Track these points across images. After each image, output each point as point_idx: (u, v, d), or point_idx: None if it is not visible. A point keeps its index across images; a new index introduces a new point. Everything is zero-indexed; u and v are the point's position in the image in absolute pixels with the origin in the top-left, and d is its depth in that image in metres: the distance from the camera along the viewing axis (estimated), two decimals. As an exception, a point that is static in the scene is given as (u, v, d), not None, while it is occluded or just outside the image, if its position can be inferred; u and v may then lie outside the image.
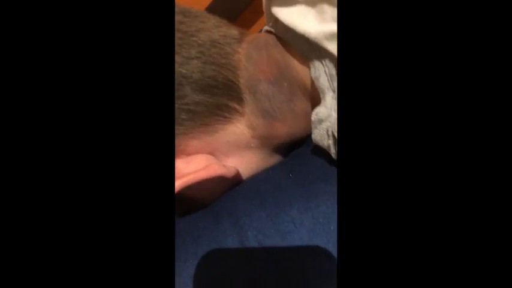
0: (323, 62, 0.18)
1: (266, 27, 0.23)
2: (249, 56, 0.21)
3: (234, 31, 0.21)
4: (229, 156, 0.22)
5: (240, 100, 0.20)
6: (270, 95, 0.20)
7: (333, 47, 0.17)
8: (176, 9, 0.21)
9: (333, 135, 0.17)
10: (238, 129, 0.21)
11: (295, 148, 0.23)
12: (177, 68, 0.19)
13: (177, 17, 0.20)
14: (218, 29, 0.21)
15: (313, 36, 0.17)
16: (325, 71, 0.18)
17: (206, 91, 0.19)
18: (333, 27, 0.17)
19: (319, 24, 0.17)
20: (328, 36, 0.17)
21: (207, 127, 0.20)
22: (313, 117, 0.19)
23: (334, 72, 0.17)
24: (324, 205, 0.18)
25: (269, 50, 0.21)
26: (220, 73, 0.19)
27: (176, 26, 0.20)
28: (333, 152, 0.18)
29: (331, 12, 0.17)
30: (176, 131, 0.19)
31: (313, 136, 0.19)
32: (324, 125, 0.18)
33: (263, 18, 0.26)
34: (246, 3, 0.57)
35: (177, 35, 0.19)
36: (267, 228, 0.18)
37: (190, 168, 0.20)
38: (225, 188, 0.22)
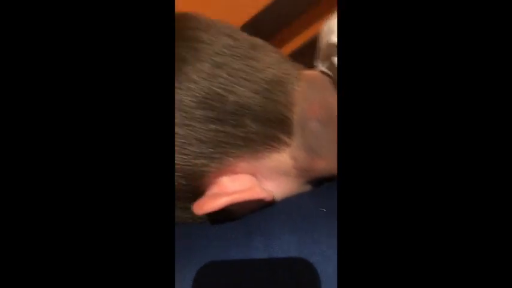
0: None
1: (323, 69, 0.25)
2: (306, 95, 0.23)
3: (294, 70, 0.23)
4: (269, 180, 0.24)
5: (290, 134, 0.22)
6: (317, 133, 0.23)
7: None
8: (239, 35, 0.23)
9: None
10: (282, 158, 0.23)
11: (328, 181, 0.25)
12: (242, 99, 0.21)
13: (232, 40, 0.22)
14: (281, 65, 0.23)
15: None
16: None
17: (264, 123, 0.21)
18: None
19: None
20: None
21: (257, 153, 0.22)
22: None
23: None
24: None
25: (324, 93, 0.23)
26: (279, 109, 0.22)
27: (240, 52, 0.22)
28: None
29: None
30: (229, 153, 0.21)
31: None
32: None
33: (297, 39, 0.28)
34: (285, 23, 0.59)
35: (245, 66, 0.21)
36: (295, 253, 0.21)
37: (235, 186, 0.22)
38: (259, 207, 0.24)
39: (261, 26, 0.58)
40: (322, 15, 0.62)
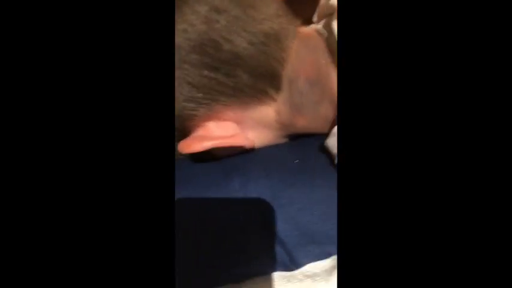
0: None
1: (319, 28, 0.25)
2: (299, 53, 0.23)
3: (291, 25, 0.23)
4: (252, 129, 0.25)
5: (278, 89, 0.24)
6: (303, 91, 0.24)
7: None
8: None
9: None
10: (267, 111, 0.24)
11: (304, 137, 0.28)
12: (237, 49, 0.21)
13: None
14: (279, 19, 0.23)
15: None
16: None
17: (255, 76, 0.22)
18: None
19: None
20: None
21: (244, 104, 0.23)
22: (334, 130, 0.23)
23: None
24: (317, 193, 0.23)
25: (316, 53, 0.24)
26: (271, 64, 0.22)
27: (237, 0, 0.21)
28: (337, 160, 0.23)
29: None
30: (218, 100, 0.22)
31: (327, 141, 0.23)
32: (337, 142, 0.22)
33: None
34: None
35: (244, 15, 0.21)
36: (267, 197, 0.23)
37: (220, 132, 0.24)
38: (239, 152, 0.26)
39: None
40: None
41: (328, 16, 0.26)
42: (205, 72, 0.21)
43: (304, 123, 0.25)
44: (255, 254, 0.24)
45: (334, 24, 0.23)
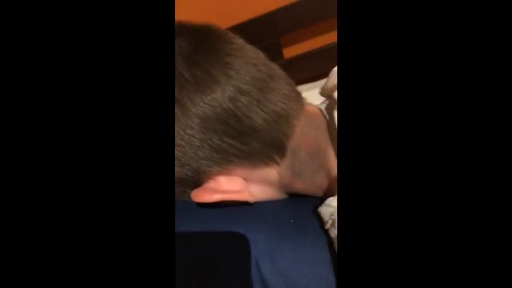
0: None
1: (322, 108, 0.30)
2: (302, 129, 0.28)
3: (299, 105, 0.28)
4: (256, 185, 0.29)
5: (282, 156, 0.28)
6: (303, 161, 0.28)
7: None
8: (262, 66, 0.27)
9: (333, 220, 0.25)
10: (271, 172, 0.28)
11: (299, 196, 0.31)
12: (254, 124, 0.25)
13: (256, 70, 0.26)
14: (290, 100, 0.28)
15: None
16: None
17: (265, 145, 0.26)
18: None
19: None
20: None
21: (253, 165, 0.27)
22: (327, 201, 0.27)
23: None
24: (307, 253, 0.26)
25: (318, 132, 0.28)
26: (279, 137, 0.27)
27: (261, 84, 0.26)
28: (327, 226, 0.26)
29: None
30: (231, 161, 0.26)
31: (320, 209, 0.27)
32: (329, 210, 0.26)
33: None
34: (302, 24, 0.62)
35: (262, 97, 0.26)
36: (263, 250, 0.27)
37: (229, 186, 0.27)
38: (242, 204, 0.30)
39: (273, 24, 0.61)
40: (332, 29, 0.66)
41: (330, 96, 0.30)
42: (226, 139, 0.25)
43: (302, 186, 0.29)
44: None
45: (335, 113, 0.27)
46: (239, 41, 0.28)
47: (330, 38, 0.67)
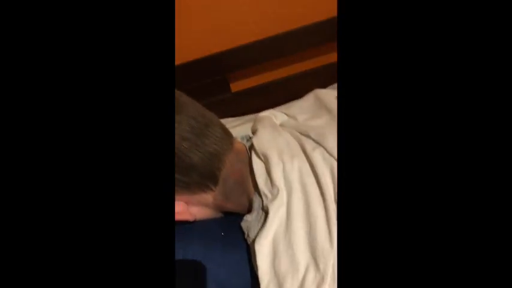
0: (259, 198, 0.35)
1: (248, 144, 0.40)
2: (231, 163, 0.37)
3: (229, 144, 0.37)
4: (195, 206, 0.37)
5: (215, 184, 0.36)
6: (232, 188, 0.37)
7: (265, 199, 0.33)
8: (200, 117, 0.35)
9: (247, 231, 0.34)
10: (207, 196, 0.37)
11: (231, 214, 0.40)
12: (192, 161, 0.34)
13: (195, 122, 0.34)
14: (222, 141, 0.36)
15: (260, 187, 0.34)
16: (258, 202, 0.35)
17: (202, 177, 0.35)
18: (268, 193, 0.33)
19: (264, 185, 0.34)
20: (263, 195, 0.33)
21: (192, 192, 0.35)
22: (245, 217, 0.35)
23: (261, 206, 0.34)
24: (233, 258, 0.34)
25: (242, 166, 0.37)
26: (213, 170, 0.35)
27: (198, 131, 0.34)
28: (245, 236, 0.35)
29: (269, 186, 0.33)
30: (176, 191, 0.34)
31: (241, 224, 0.36)
32: (246, 224, 0.35)
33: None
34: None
35: (199, 141, 0.34)
36: (200, 255, 0.34)
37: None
38: (184, 223, 0.38)
39: (220, 63, 0.70)
40: (275, 67, 0.77)
41: (254, 133, 0.40)
42: None
43: (231, 206, 0.38)
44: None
45: (253, 153, 0.37)
46: (182, 99, 0.36)
47: (273, 75, 0.78)
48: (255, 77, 0.79)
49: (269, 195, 0.33)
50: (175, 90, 0.36)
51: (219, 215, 0.40)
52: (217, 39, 0.69)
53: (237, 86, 0.79)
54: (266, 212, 0.32)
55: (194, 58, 0.70)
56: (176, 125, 0.33)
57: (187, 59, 0.69)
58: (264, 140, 0.36)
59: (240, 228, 0.36)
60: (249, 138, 0.41)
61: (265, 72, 0.79)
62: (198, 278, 0.34)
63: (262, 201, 0.34)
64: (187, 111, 0.35)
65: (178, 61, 0.69)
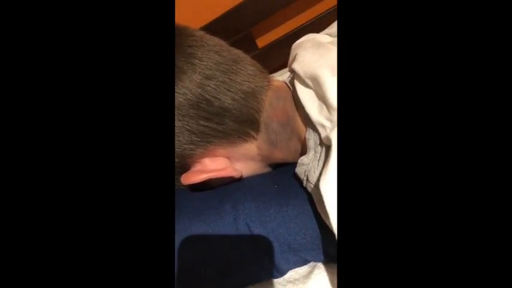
0: (314, 133, 0.28)
1: (287, 81, 0.33)
2: (271, 103, 0.30)
3: (265, 81, 0.31)
4: (239, 162, 0.32)
5: (257, 130, 0.30)
6: (277, 131, 0.31)
7: (322, 131, 0.27)
8: (225, 52, 0.29)
9: (307, 176, 0.28)
10: (250, 147, 0.31)
11: (282, 165, 0.34)
12: (224, 104, 0.28)
13: (219, 57, 0.28)
14: (255, 78, 0.30)
15: (313, 120, 0.27)
16: (314, 138, 0.28)
17: (239, 122, 0.29)
18: (325, 123, 0.26)
19: (318, 115, 0.27)
20: (320, 126, 0.27)
21: (232, 143, 0.30)
22: (299, 160, 0.29)
23: (318, 142, 0.28)
24: (291, 211, 0.29)
25: (285, 103, 0.31)
26: (251, 113, 0.29)
27: (225, 67, 0.28)
28: (304, 184, 0.29)
29: (325, 112, 0.26)
30: (212, 142, 0.29)
31: (296, 170, 0.30)
32: (303, 168, 0.29)
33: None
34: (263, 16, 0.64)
35: (228, 79, 0.28)
36: (253, 216, 0.29)
37: (214, 166, 0.30)
38: (230, 182, 0.33)
39: (242, 17, 0.64)
40: (300, 11, 0.69)
41: (292, 71, 0.33)
42: (201, 122, 0.28)
43: (281, 155, 0.32)
44: (247, 264, 0.30)
45: (296, 83, 0.30)
46: (198, 33, 0.30)
47: (300, 20, 0.70)
48: (280, 26, 0.71)
49: (328, 124, 0.26)
50: (186, 27, 0.30)
51: (268, 169, 0.35)
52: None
53: (263, 41, 0.71)
54: (327, 146, 0.26)
55: (215, 17, 0.64)
56: (196, 61, 0.27)
57: (209, 19, 0.63)
58: (309, 61, 0.29)
59: (295, 176, 0.30)
60: (289, 76, 0.34)
61: (289, 19, 0.70)
62: (258, 247, 0.29)
63: (320, 134, 0.27)
64: (208, 45, 0.29)
65: (198, 23, 0.63)
